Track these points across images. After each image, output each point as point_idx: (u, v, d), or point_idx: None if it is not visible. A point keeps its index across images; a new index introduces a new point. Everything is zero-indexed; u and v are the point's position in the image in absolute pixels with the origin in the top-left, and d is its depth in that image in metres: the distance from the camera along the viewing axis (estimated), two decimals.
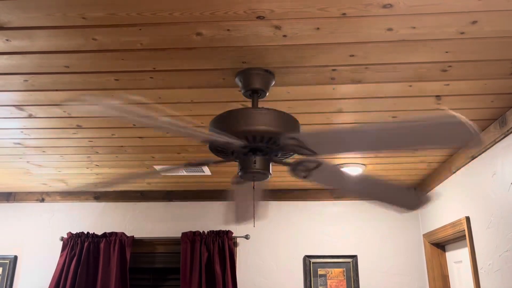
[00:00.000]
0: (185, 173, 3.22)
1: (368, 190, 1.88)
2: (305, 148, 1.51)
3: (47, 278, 3.63)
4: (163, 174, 3.22)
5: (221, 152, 1.66)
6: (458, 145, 1.41)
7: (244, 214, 2.25)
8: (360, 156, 2.81)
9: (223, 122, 1.60)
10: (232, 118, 1.58)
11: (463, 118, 1.17)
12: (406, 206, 1.89)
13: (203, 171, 3.17)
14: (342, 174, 1.73)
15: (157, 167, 3.07)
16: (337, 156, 2.68)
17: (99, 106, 1.20)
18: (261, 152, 1.65)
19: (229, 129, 1.57)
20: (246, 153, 1.65)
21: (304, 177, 1.72)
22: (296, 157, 1.67)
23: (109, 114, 1.16)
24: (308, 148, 1.50)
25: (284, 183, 3.53)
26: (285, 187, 3.67)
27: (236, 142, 1.56)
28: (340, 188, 1.87)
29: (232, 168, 3.10)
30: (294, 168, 1.67)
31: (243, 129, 1.56)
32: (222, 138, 1.53)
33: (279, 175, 3.27)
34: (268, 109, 1.59)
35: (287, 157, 1.71)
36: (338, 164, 1.69)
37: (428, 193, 1.73)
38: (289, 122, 1.61)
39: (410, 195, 1.81)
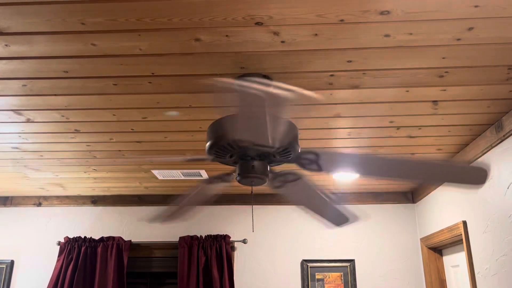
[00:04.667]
0: (182, 177, 3.22)
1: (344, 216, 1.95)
2: (317, 165, 1.54)
3: (44, 283, 3.62)
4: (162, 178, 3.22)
5: (220, 157, 1.67)
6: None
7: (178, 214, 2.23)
8: None
9: (222, 127, 1.61)
10: (230, 123, 1.59)
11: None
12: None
13: (201, 175, 3.17)
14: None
15: (155, 172, 3.07)
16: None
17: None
18: (259, 157, 1.66)
19: (230, 134, 1.58)
20: (244, 158, 1.66)
21: (277, 187, 1.75)
22: (281, 167, 1.70)
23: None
24: (320, 165, 1.53)
25: None
26: None
27: (213, 158, 1.60)
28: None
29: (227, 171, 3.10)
30: (301, 164, 1.69)
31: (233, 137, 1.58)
32: (203, 157, 1.58)
33: None
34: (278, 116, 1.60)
35: (287, 157, 1.72)
36: (318, 187, 1.72)
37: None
38: (288, 127, 1.62)
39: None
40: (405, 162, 1.60)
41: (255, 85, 1.09)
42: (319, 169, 1.68)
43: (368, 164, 1.65)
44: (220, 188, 1.86)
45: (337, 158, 1.63)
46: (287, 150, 1.64)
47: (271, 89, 1.11)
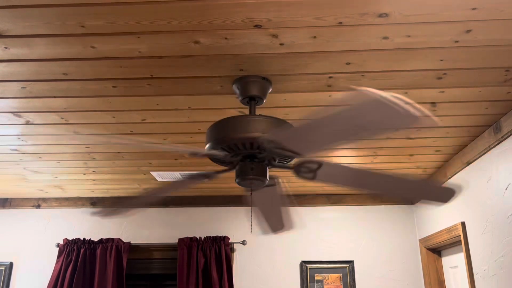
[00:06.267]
0: (181, 178, 3.22)
1: (381, 183, 1.88)
2: (286, 150, 1.51)
3: (43, 285, 3.61)
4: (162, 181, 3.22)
5: (219, 160, 1.67)
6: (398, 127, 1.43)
7: (273, 221, 2.24)
8: (355, 162, 2.83)
9: (219, 129, 1.61)
10: (228, 125, 1.60)
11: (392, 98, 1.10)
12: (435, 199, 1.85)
13: None
14: (348, 171, 1.72)
15: (154, 173, 3.07)
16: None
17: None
18: (257, 159, 1.67)
19: (225, 136, 1.59)
20: (243, 160, 1.66)
21: (312, 178, 1.72)
22: (296, 160, 1.68)
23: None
24: (289, 149, 1.50)
25: None
26: None
27: (219, 153, 1.59)
28: (350, 185, 1.85)
29: (229, 173, 3.11)
30: (298, 171, 1.68)
31: (233, 137, 1.58)
32: (205, 152, 1.57)
33: None
34: (264, 116, 1.60)
35: (286, 162, 1.72)
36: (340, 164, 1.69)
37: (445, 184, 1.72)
38: (285, 128, 1.62)
39: (433, 188, 1.78)
40: (394, 180, 1.68)
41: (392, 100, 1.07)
42: (313, 177, 1.68)
43: (359, 179, 1.69)
44: (194, 184, 1.86)
45: (335, 171, 1.64)
46: (291, 158, 1.64)
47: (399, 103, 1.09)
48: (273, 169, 2.38)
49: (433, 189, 1.74)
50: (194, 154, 1.60)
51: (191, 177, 1.79)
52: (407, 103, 1.09)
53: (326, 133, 1.34)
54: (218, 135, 1.60)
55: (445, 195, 1.75)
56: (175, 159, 2.79)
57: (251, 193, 1.97)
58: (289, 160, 1.70)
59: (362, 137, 1.35)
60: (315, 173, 1.66)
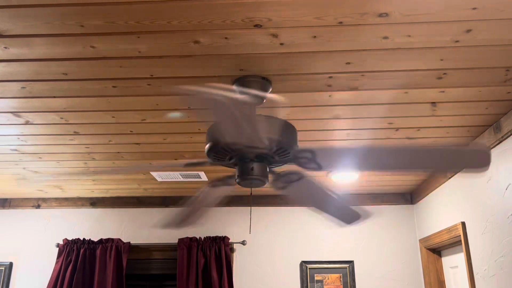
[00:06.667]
0: (181, 179, 3.22)
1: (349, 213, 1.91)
2: (315, 163, 1.52)
3: (43, 285, 3.61)
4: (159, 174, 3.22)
5: (219, 158, 1.67)
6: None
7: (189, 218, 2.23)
8: None
9: (219, 130, 1.61)
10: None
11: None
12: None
13: (200, 177, 3.17)
14: (325, 195, 1.74)
15: (154, 174, 3.07)
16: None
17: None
18: (258, 159, 1.66)
19: (229, 136, 1.58)
20: (244, 159, 1.66)
21: (281, 188, 1.74)
22: (283, 167, 1.69)
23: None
24: (319, 163, 1.51)
25: None
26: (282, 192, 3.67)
27: (209, 161, 1.59)
28: (315, 207, 1.88)
29: (229, 173, 3.11)
30: (277, 178, 1.69)
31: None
32: (199, 160, 1.58)
33: None
34: (264, 116, 1.60)
35: (279, 166, 1.73)
36: (322, 185, 1.70)
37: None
38: (284, 127, 1.62)
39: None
40: (406, 151, 1.53)
41: (215, 91, 1.10)
42: (319, 167, 1.66)
43: (368, 157, 1.60)
44: (224, 191, 1.86)
45: (335, 154, 1.61)
46: (285, 150, 1.63)
47: (231, 94, 1.12)
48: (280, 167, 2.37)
49: (467, 155, 1.56)
50: (190, 165, 1.61)
51: (216, 183, 1.79)
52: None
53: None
54: (218, 135, 1.59)
55: (482, 159, 1.57)
56: (175, 159, 2.79)
57: (251, 193, 1.97)
58: (288, 156, 1.70)
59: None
60: (316, 161, 1.65)
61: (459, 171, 1.57)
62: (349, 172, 2.94)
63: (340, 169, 1.67)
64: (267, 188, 3.52)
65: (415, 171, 1.61)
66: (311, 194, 1.83)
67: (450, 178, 2.85)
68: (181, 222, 2.18)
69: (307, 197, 1.86)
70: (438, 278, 3.30)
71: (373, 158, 1.59)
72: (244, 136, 1.37)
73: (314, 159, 1.62)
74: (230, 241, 3.57)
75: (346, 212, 1.98)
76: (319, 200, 1.89)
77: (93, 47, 1.58)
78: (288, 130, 1.62)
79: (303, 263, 3.55)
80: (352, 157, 1.59)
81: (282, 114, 2.13)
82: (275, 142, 1.54)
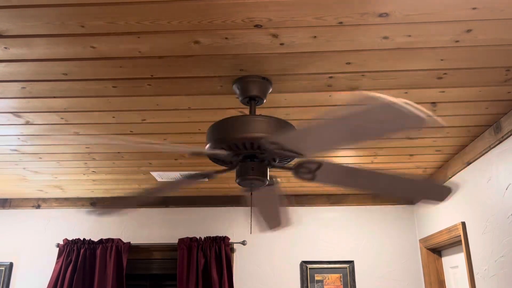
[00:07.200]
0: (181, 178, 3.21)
1: (383, 184, 1.86)
2: (288, 151, 1.51)
3: (43, 285, 3.61)
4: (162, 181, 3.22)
5: (219, 160, 1.67)
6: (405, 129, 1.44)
7: (270, 219, 2.25)
8: (355, 162, 2.82)
9: (219, 129, 1.61)
10: (228, 125, 1.60)
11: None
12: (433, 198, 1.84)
13: None
14: (347, 171, 1.72)
15: (154, 173, 3.07)
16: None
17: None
18: (258, 159, 1.66)
19: (225, 136, 1.59)
20: (243, 160, 1.66)
21: (311, 179, 1.71)
22: (296, 160, 1.67)
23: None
24: (291, 150, 1.50)
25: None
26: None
27: (221, 152, 1.58)
28: (349, 185, 1.84)
29: (230, 173, 3.11)
30: (297, 171, 1.68)
31: (233, 137, 1.57)
32: (206, 151, 1.57)
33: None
34: (264, 116, 1.60)
35: (286, 162, 1.72)
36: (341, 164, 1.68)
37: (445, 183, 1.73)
38: (286, 128, 1.62)
39: (433, 187, 1.77)
40: (389, 178, 1.67)
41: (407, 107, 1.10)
42: (312, 178, 1.68)
43: (358, 178, 1.69)
44: (194, 183, 1.86)
45: (337, 171, 1.64)
46: (289, 157, 1.64)
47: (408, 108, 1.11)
48: (272, 169, 2.38)
49: (430, 188, 1.74)
50: (195, 154, 1.60)
51: (191, 177, 1.78)
52: (412, 105, 1.11)
53: (329, 134, 1.34)
54: (219, 135, 1.60)
55: (442, 193, 1.75)
56: (175, 159, 2.79)
57: (251, 193, 1.97)
58: (289, 160, 1.70)
59: (366, 139, 1.35)
60: (314, 173, 1.66)
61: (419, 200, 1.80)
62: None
63: (329, 184, 1.75)
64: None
65: (390, 195, 1.75)
66: (341, 174, 1.79)
67: (450, 178, 2.85)
68: (109, 210, 2.20)
69: (339, 178, 1.81)
70: (438, 278, 3.30)
71: (360, 180, 1.69)
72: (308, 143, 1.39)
73: (315, 171, 1.63)
74: (230, 241, 3.57)
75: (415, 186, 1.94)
76: (351, 177, 1.84)
77: (93, 47, 1.58)
78: (267, 125, 1.60)
79: (303, 263, 3.55)
80: (346, 176, 1.66)
81: (285, 115, 2.13)
82: (246, 140, 1.56)
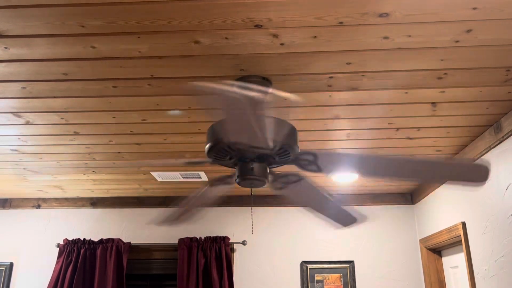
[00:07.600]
0: (181, 179, 3.22)
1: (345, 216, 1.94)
2: (316, 165, 1.53)
3: (43, 285, 3.61)
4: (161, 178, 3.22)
5: (219, 159, 1.67)
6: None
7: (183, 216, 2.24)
8: None
9: (219, 129, 1.61)
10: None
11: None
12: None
13: (200, 177, 3.17)
14: (322, 197, 1.76)
15: (154, 174, 3.07)
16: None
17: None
18: (258, 159, 1.66)
19: (227, 137, 1.59)
20: (244, 159, 1.66)
21: (280, 189, 1.75)
22: (281, 168, 1.70)
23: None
24: (319, 166, 1.52)
25: None
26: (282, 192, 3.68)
27: (217, 161, 1.60)
28: (312, 208, 1.90)
29: (228, 173, 3.10)
30: (275, 179, 1.70)
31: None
32: (201, 160, 1.59)
33: None
34: (263, 116, 1.60)
35: (279, 166, 1.73)
36: (320, 187, 1.72)
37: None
38: (285, 128, 1.62)
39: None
40: (406, 162, 1.60)
41: (232, 89, 1.10)
42: (319, 169, 1.68)
43: (368, 164, 1.64)
44: (223, 190, 1.86)
45: (336, 159, 1.63)
46: (286, 151, 1.64)
47: (247, 92, 1.12)
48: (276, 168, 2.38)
49: (465, 169, 1.61)
50: (192, 164, 1.61)
51: (217, 181, 1.80)
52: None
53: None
54: (219, 135, 1.60)
55: (480, 174, 1.62)
56: (175, 160, 2.79)
57: (251, 194, 1.97)
58: (289, 157, 1.70)
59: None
60: (317, 164, 1.66)
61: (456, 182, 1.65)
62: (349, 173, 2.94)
63: (339, 172, 1.69)
64: (267, 189, 3.52)
65: (412, 180, 1.66)
66: (309, 196, 1.84)
67: None
68: (176, 219, 2.19)
69: (304, 198, 1.88)
70: (438, 278, 3.30)
71: (372, 166, 1.63)
72: (251, 135, 1.37)
73: (316, 162, 1.64)
74: (230, 241, 3.57)
75: (342, 214, 2.01)
76: (317, 202, 1.90)
77: (93, 47, 1.58)
78: (289, 131, 1.62)
79: (304, 263, 3.55)
80: (352, 162, 1.62)
81: (285, 114, 2.13)
82: (278, 143, 1.55)
